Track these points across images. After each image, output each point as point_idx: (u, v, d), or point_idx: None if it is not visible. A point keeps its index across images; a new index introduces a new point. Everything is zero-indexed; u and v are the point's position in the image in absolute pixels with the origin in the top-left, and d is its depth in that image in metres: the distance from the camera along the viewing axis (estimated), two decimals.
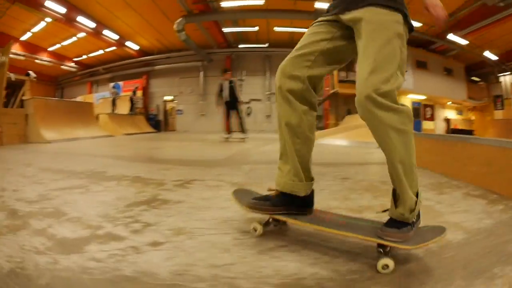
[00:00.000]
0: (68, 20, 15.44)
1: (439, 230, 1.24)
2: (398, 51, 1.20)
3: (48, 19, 15.84)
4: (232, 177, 3.29)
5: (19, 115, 11.22)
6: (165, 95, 22.83)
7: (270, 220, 1.45)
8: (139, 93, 21.24)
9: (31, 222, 1.66)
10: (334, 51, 1.37)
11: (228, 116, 9.64)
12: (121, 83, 23.27)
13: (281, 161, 1.42)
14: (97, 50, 21.48)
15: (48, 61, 21.80)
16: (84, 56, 22.92)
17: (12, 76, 12.11)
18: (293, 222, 1.38)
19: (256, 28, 17.20)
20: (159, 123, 21.75)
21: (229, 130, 9.64)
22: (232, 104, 9.36)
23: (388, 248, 1.15)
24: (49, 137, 10.29)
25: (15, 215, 1.81)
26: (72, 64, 23.93)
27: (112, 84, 22.72)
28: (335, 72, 15.83)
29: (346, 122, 10.14)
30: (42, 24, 16.83)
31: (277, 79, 1.41)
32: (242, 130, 9.43)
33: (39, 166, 4.08)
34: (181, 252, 1.29)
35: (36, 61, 20.71)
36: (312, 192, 1.43)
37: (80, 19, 15.72)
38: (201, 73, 20.81)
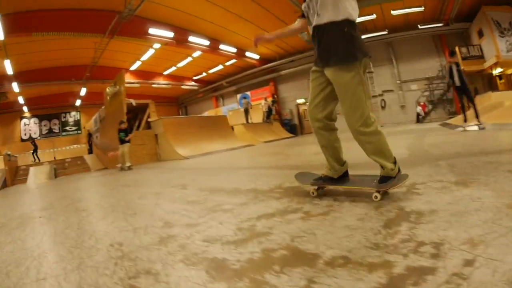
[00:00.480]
0: (179, 42, 17.41)
1: (404, 177, 2.23)
2: (362, 94, 2.12)
3: (157, 45, 18.12)
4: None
5: (147, 135, 12.72)
6: (296, 98, 24.05)
7: (319, 188, 2.62)
8: (270, 100, 22.74)
9: None
10: (331, 92, 2.31)
11: (461, 102, 9.25)
12: (248, 93, 25.64)
13: (326, 160, 2.55)
14: (216, 65, 23.91)
15: (165, 84, 25.12)
16: (204, 74, 25.72)
17: (133, 102, 14.00)
18: (330, 187, 2.62)
19: (373, 16, 16.59)
20: (294, 127, 23.32)
21: (465, 118, 9.00)
22: (462, 89, 8.93)
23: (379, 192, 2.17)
24: (184, 153, 10.83)
25: None
26: (192, 83, 27.17)
27: (239, 96, 25.36)
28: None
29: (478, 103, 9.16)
30: (151, 51, 19.46)
31: (310, 121, 2.47)
32: (477, 116, 8.60)
33: (197, 187, 4.14)
34: None
35: (154, 85, 24.08)
36: (346, 172, 2.53)
37: (192, 39, 17.72)
38: None
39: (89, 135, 21.12)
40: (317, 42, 2.29)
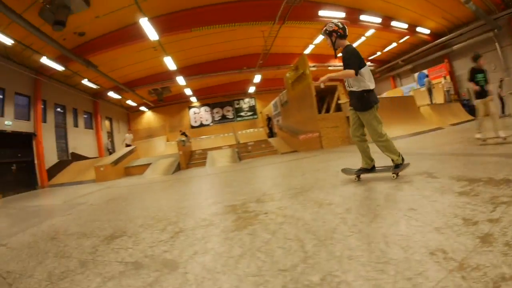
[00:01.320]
0: (351, 22, 18.75)
1: (407, 164, 4.75)
2: (375, 123, 4.63)
3: None
4: None
5: (338, 118, 13.90)
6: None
7: (360, 176, 5.11)
8: (448, 78, 23.98)
9: None
10: (361, 121, 4.84)
11: None
12: (425, 71, 26.92)
13: (362, 158, 5.08)
14: (390, 43, 25.74)
15: (341, 66, 26.52)
16: (378, 53, 27.70)
17: (322, 84, 15.64)
18: (367, 174, 5.15)
19: None
20: (473, 108, 22.25)
21: None
22: None
23: (395, 174, 4.79)
24: None
25: None
26: (368, 63, 28.99)
27: (416, 74, 26.80)
28: None
29: None
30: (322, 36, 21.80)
31: (352, 137, 5.14)
32: None
33: (446, 175, 4.38)
34: None
35: (330, 68, 26.38)
36: (374, 165, 5.00)
37: (363, 17, 19.71)
38: (497, 44, 21.03)
39: (269, 119, 25.09)
40: (350, 97, 4.97)
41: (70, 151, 22.67)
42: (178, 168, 14.70)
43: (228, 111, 34.71)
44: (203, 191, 7.33)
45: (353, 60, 4.46)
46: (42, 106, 19.94)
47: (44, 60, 16.31)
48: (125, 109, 33.94)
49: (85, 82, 21.62)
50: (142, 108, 33.76)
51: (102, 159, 20.30)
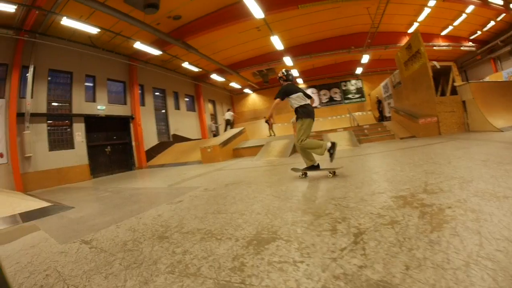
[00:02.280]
0: None
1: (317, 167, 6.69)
2: (301, 131, 6.52)
3: (432, 2, 19.25)
4: None
5: (455, 102, 13.29)
6: None
7: (304, 173, 6.88)
8: None
9: None
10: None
11: None
12: None
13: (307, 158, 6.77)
14: (488, 22, 23.56)
15: (446, 46, 25.97)
16: (479, 32, 25.47)
17: (437, 64, 15.02)
18: (310, 172, 6.81)
19: None
20: None
21: None
22: None
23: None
24: (498, 124, 11.16)
25: None
26: (470, 44, 27.15)
27: None
28: None
29: None
30: (426, 11, 20.69)
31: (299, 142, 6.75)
32: None
33: None
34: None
35: (434, 48, 25.20)
36: (318, 164, 6.72)
37: None
38: None
39: (379, 102, 24.42)
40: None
41: (172, 133, 23.83)
42: (293, 150, 14.33)
43: (336, 93, 34.98)
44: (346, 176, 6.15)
45: (280, 93, 6.71)
46: (140, 91, 21.22)
47: (139, 45, 16.67)
48: (228, 92, 35.35)
49: (185, 65, 22.23)
50: (246, 90, 35.03)
51: (207, 141, 20.88)
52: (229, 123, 25.72)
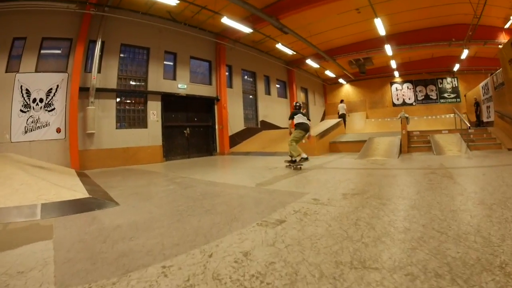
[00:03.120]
0: None
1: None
2: (294, 136, 9.13)
3: None
4: None
5: None
6: None
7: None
8: None
9: None
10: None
11: None
12: None
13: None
14: None
15: None
16: None
17: None
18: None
19: None
20: None
21: None
22: None
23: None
24: None
25: None
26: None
27: None
28: None
29: None
30: None
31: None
32: None
33: None
34: None
35: None
36: (295, 160, 8.83)
37: None
38: None
39: (477, 104, 19.75)
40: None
41: (260, 119, 20.71)
42: (400, 150, 11.92)
43: (432, 90, 28.99)
44: None
45: (290, 116, 9.50)
46: (227, 72, 18.34)
47: (226, 20, 13.59)
48: (322, 81, 31.10)
49: (279, 46, 18.57)
50: (341, 80, 30.39)
51: None
52: (345, 119, 20.76)
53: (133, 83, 13.95)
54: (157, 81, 14.48)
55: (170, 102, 14.96)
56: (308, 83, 28.03)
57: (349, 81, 30.79)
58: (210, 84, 17.24)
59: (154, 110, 14.22)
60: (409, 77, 28.85)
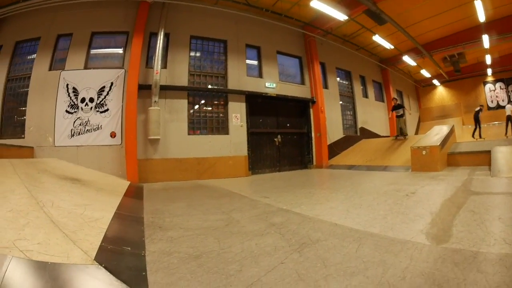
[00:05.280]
0: None
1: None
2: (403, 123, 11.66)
3: None
4: None
5: None
6: None
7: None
8: None
9: None
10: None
11: None
12: None
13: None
14: None
15: None
16: None
17: None
18: None
19: None
20: None
21: None
22: None
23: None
24: None
25: None
26: None
27: None
28: None
29: None
30: None
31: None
32: None
33: None
34: None
35: None
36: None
37: None
38: None
39: None
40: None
41: (359, 125, 14.87)
42: None
43: None
44: None
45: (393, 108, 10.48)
46: (321, 70, 12.88)
47: (316, 4, 8.98)
48: (414, 82, 23.41)
49: (376, 38, 13.24)
50: (435, 81, 22.79)
51: (415, 138, 11.49)
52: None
53: (210, 80, 9.56)
54: (239, 78, 9.86)
55: (257, 104, 10.19)
56: (403, 85, 20.92)
57: (442, 82, 22.97)
58: (303, 83, 12.01)
59: (237, 113, 9.62)
60: (501, 75, 20.41)
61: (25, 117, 8.19)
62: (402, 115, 11.89)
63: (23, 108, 8.29)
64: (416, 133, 19.79)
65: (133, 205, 4.96)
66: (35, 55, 8.43)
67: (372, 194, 5.03)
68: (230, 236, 3.11)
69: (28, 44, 8.68)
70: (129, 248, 2.85)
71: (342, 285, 1.88)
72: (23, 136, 8.13)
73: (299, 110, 11.68)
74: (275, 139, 10.56)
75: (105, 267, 2.18)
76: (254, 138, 9.83)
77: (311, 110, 11.84)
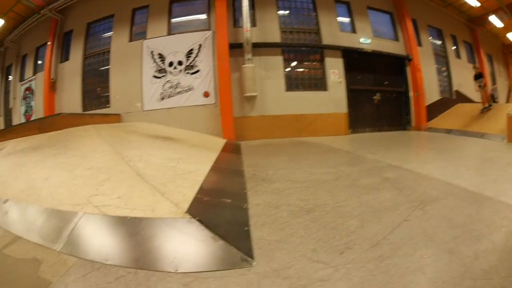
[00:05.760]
0: None
1: None
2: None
3: None
4: None
5: None
6: None
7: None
8: None
9: None
10: None
11: None
12: None
13: None
14: None
15: None
16: None
17: None
18: None
19: None
20: None
21: None
22: None
23: None
24: None
25: None
26: None
27: None
28: None
29: None
30: None
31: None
32: None
33: None
34: None
35: None
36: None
37: None
38: None
39: None
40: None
41: (454, 88, 13.04)
42: None
43: None
44: None
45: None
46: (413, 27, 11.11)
47: None
48: (501, 46, 19.56)
49: None
50: None
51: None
52: None
53: (303, 37, 8.57)
54: (333, 34, 8.74)
55: (353, 60, 8.88)
56: (493, 48, 17.80)
57: None
58: (397, 39, 10.39)
59: (334, 69, 8.43)
60: None
61: (108, 88, 8.22)
62: (483, 85, 10.41)
63: (105, 80, 8.38)
64: (507, 101, 17.32)
65: (231, 159, 4.60)
66: (111, 31, 8.53)
67: (477, 158, 4.79)
68: (344, 190, 2.85)
69: (100, 23, 8.85)
70: (229, 200, 2.54)
71: (471, 249, 1.66)
72: (108, 105, 8.16)
73: (394, 67, 10.14)
74: (373, 97, 9.17)
75: (200, 221, 1.84)
76: (353, 95, 8.60)
77: (407, 68, 10.23)
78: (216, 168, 3.54)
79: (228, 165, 4.15)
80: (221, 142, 6.14)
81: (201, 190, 2.45)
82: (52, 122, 6.70)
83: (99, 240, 1.83)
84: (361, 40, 9.04)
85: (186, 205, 2.01)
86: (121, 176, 2.53)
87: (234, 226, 1.97)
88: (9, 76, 11.57)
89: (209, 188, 2.64)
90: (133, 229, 1.82)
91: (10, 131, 8.65)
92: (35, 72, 10.30)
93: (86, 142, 4.08)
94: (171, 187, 2.42)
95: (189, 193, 2.29)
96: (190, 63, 7.53)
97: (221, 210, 2.27)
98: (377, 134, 8.55)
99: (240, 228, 1.95)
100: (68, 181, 2.61)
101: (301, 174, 3.46)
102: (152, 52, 7.75)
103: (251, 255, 1.61)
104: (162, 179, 2.59)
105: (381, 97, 9.33)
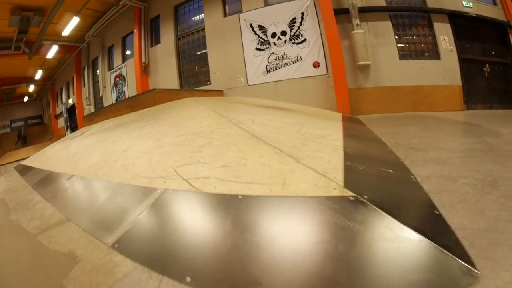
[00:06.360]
0: None
1: None
2: None
3: None
4: None
5: None
6: None
7: None
8: None
9: None
10: None
11: None
12: None
13: None
14: None
15: None
16: None
17: None
18: None
19: None
20: None
21: None
22: None
23: None
24: None
25: None
26: None
27: None
28: None
29: None
30: None
31: None
32: None
33: None
34: None
35: None
36: None
37: None
38: None
39: None
40: None
41: None
42: None
43: None
44: None
45: None
46: None
47: None
48: None
49: None
50: None
51: None
52: None
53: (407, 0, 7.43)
54: None
55: (460, 26, 7.67)
56: None
57: None
58: (495, 3, 8.90)
59: (444, 35, 7.35)
60: None
61: (206, 66, 7.93)
62: None
63: (202, 58, 8.22)
64: None
65: (359, 128, 3.95)
66: (202, 10, 8.34)
67: None
68: (510, 160, 2.10)
69: (187, 4, 8.75)
70: (391, 171, 1.91)
71: None
72: (208, 83, 7.82)
73: (496, 35, 8.67)
74: (484, 68, 7.86)
75: (372, 201, 1.19)
76: (465, 65, 7.39)
77: (510, 37, 8.62)
78: (349, 134, 2.97)
79: (361, 133, 3.53)
80: (337, 114, 5.48)
81: (348, 157, 1.89)
82: (144, 99, 6.31)
83: (182, 236, 1.17)
84: (464, 3, 7.90)
85: (339, 176, 1.43)
86: (227, 140, 1.97)
87: (419, 209, 1.40)
88: (96, 69, 11.74)
89: (356, 154, 2.04)
90: (252, 217, 1.16)
91: (97, 114, 8.51)
92: (124, 60, 10.31)
93: (182, 112, 3.62)
94: (306, 151, 1.87)
95: (335, 160, 1.76)
96: (295, 32, 6.86)
97: (387, 184, 1.67)
98: (488, 111, 7.35)
99: (428, 211, 1.36)
100: (152, 150, 2.09)
101: (448, 143, 2.95)
102: (251, 24, 7.25)
103: (469, 261, 1.01)
104: (290, 142, 2.04)
105: (490, 68, 8.01)
